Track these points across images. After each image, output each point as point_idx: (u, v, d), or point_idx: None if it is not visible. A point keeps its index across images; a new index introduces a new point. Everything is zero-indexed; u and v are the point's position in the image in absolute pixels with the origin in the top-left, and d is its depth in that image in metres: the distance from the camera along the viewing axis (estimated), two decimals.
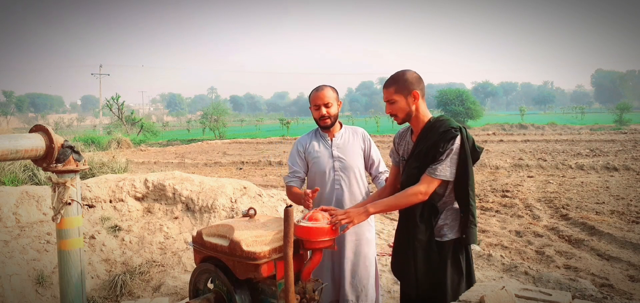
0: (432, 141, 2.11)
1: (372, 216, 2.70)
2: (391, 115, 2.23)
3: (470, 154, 2.11)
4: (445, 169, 2.08)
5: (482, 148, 2.21)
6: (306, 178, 2.87)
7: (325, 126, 2.75)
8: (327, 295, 2.70)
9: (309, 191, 2.39)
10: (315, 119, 2.78)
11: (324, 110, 2.70)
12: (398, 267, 2.34)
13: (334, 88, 2.78)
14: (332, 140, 2.79)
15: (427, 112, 2.22)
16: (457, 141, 2.08)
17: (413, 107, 2.17)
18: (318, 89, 2.75)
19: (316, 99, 2.72)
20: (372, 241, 2.81)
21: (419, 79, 2.18)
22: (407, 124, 2.29)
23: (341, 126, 2.85)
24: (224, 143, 24.61)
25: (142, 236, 4.58)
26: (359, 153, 2.81)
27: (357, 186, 2.76)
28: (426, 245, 2.15)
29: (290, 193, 2.80)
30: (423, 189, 2.10)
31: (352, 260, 2.71)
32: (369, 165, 2.86)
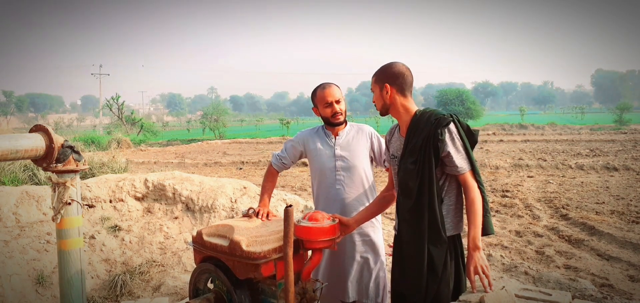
0: (426, 133, 2.00)
1: (378, 217, 2.67)
2: (374, 104, 2.21)
3: (467, 138, 2.04)
4: (461, 160, 1.99)
5: (478, 131, 2.13)
6: (291, 167, 2.86)
7: (338, 123, 2.68)
8: (327, 295, 2.66)
9: (253, 212, 2.44)
10: (326, 117, 2.69)
11: (337, 106, 2.64)
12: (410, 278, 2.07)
13: (337, 85, 2.73)
14: (335, 138, 2.71)
15: (411, 107, 2.11)
16: (453, 126, 2.00)
17: (387, 101, 2.11)
18: (324, 86, 2.68)
19: (327, 97, 2.64)
20: (378, 243, 2.71)
21: (400, 73, 2.08)
22: (396, 122, 2.25)
23: (346, 124, 2.77)
24: (224, 143, 24.60)
25: (142, 236, 4.58)
26: (365, 151, 2.71)
27: (361, 186, 2.67)
28: (441, 245, 2.01)
29: (268, 172, 2.79)
30: (476, 188, 1.99)
31: (357, 261, 2.65)
32: (383, 162, 2.74)
